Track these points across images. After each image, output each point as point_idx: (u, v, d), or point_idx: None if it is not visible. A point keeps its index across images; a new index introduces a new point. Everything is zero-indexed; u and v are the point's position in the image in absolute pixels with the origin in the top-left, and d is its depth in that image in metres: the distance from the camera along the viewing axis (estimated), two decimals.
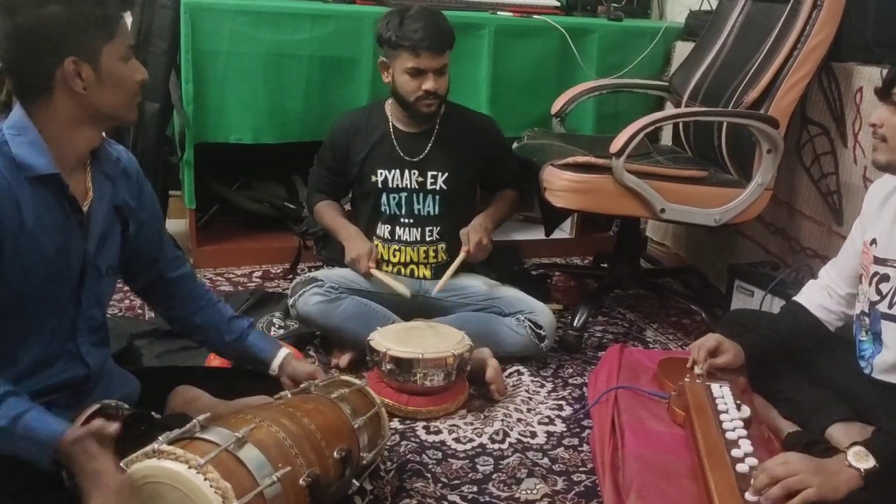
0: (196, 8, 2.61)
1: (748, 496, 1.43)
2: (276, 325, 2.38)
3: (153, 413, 1.49)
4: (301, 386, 1.62)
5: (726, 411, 1.71)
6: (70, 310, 1.46)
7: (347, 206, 2.56)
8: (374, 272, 2.29)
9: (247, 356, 1.75)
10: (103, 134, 1.49)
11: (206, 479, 1.18)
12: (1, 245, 1.31)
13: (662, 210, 2.30)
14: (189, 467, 1.19)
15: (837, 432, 1.74)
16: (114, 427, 1.23)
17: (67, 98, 1.35)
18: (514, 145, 2.62)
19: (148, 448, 1.23)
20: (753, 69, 2.40)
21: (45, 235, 1.37)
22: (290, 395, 1.56)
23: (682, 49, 3.03)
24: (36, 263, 1.36)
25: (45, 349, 1.43)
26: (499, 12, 2.97)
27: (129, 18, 1.47)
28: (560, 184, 2.26)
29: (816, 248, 2.45)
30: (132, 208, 1.55)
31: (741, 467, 1.50)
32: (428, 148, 2.35)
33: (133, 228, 1.56)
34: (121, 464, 1.21)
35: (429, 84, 2.22)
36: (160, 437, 1.24)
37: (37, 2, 1.30)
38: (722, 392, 1.78)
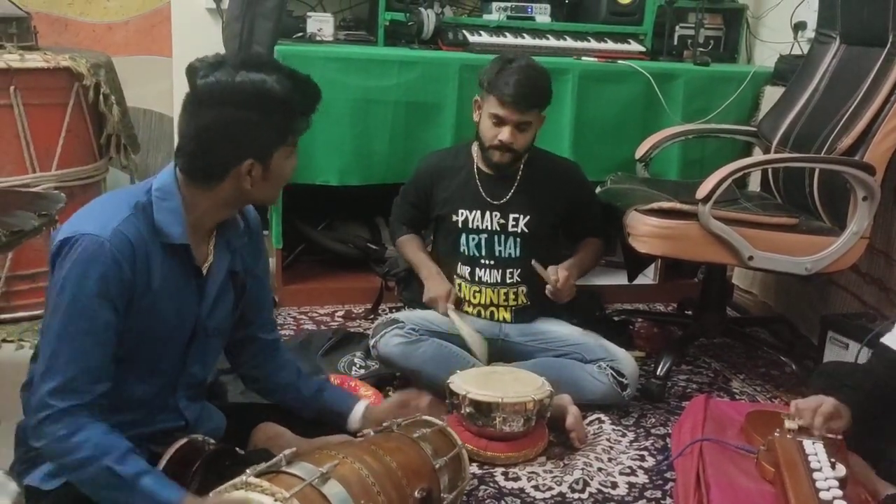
0: (288, 55, 2.71)
1: None
2: (357, 365, 2.40)
3: (237, 448, 1.53)
4: (383, 424, 1.63)
5: (820, 469, 1.63)
6: (175, 367, 1.51)
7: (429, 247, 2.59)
8: (452, 315, 2.30)
9: (325, 410, 1.74)
10: None
11: None
12: (129, 302, 1.37)
13: (750, 257, 2.24)
14: (275, 500, 1.21)
15: None
16: None
17: (231, 188, 1.41)
18: (598, 190, 2.60)
19: (237, 480, 1.26)
20: (848, 114, 2.33)
21: (167, 298, 1.42)
22: (372, 433, 1.57)
23: (772, 94, 2.98)
24: (154, 323, 1.42)
25: (147, 402, 1.48)
26: (583, 58, 2.98)
27: None
28: (644, 229, 2.23)
29: None
30: (249, 267, 1.59)
31: None
32: (511, 191, 2.36)
33: (249, 286, 1.60)
34: (210, 495, 1.24)
35: (504, 135, 2.23)
36: (248, 470, 1.27)
37: (241, 103, 1.35)
38: (815, 449, 1.70)
